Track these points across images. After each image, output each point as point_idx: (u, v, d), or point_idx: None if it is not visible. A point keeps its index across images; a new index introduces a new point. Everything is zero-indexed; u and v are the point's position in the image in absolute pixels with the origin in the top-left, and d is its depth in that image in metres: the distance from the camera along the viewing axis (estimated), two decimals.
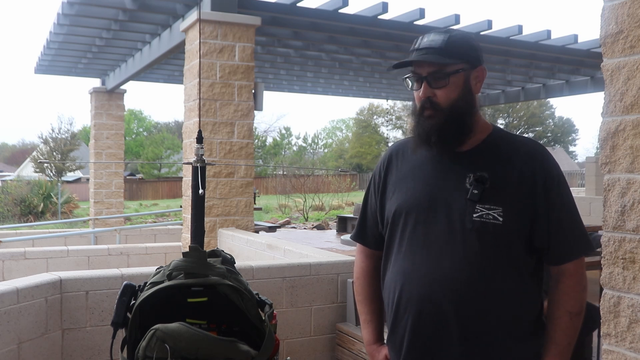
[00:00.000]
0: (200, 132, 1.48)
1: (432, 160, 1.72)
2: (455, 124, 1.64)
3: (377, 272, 1.85)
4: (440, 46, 1.63)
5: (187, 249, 1.34)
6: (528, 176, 1.62)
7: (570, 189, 1.75)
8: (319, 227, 15.93)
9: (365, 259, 1.91)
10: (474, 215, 1.59)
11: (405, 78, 1.71)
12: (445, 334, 1.62)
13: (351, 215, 13.99)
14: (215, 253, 1.39)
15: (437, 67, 1.63)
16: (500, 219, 1.58)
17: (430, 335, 1.64)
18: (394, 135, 46.96)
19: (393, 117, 45.30)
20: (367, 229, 1.88)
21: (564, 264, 1.64)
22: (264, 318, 1.33)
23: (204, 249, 1.38)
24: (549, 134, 49.41)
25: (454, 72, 1.63)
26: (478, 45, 1.72)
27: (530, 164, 1.63)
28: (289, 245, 5.22)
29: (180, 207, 10.57)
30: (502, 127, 1.86)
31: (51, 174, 27.65)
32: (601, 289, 1.80)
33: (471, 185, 1.61)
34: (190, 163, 1.46)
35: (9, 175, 32.71)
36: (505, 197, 1.60)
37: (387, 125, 47.49)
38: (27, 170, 35.64)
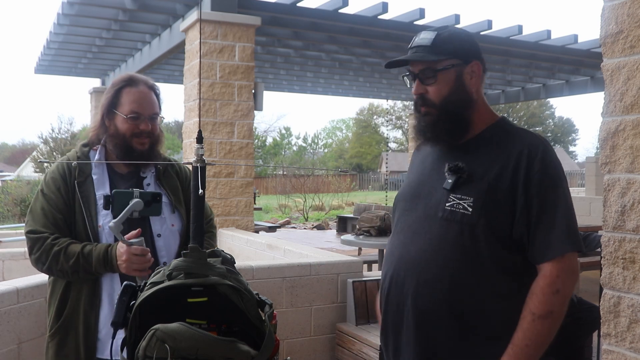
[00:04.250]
0: (200, 132, 1.48)
1: (432, 153, 1.78)
2: (449, 120, 1.67)
3: None
4: (428, 44, 1.67)
5: (186, 249, 1.34)
6: (511, 167, 1.60)
7: (570, 188, 1.74)
8: (319, 227, 15.93)
9: None
10: (447, 204, 1.62)
11: (404, 76, 1.77)
12: (405, 314, 1.67)
13: (351, 215, 13.97)
14: (215, 253, 1.39)
15: (427, 65, 1.67)
16: (470, 209, 1.58)
17: (395, 314, 1.71)
18: (394, 135, 47.00)
19: (393, 117, 45.33)
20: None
21: (540, 263, 1.58)
22: (264, 318, 1.33)
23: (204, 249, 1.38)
24: (549, 134, 49.40)
25: (443, 69, 1.66)
26: (471, 40, 1.72)
27: (517, 156, 1.60)
28: (289, 245, 5.22)
29: None
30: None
31: None
32: (601, 289, 1.80)
33: (447, 174, 1.65)
34: (190, 163, 1.46)
35: (9, 175, 32.67)
36: (479, 189, 1.60)
37: (387, 125, 47.52)
38: (27, 170, 35.62)
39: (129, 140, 2.11)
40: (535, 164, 1.58)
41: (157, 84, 2.26)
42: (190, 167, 1.50)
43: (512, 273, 1.60)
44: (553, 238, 1.56)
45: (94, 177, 2.13)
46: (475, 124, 1.70)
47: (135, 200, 1.78)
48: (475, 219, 1.58)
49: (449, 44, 1.67)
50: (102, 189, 2.11)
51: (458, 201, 1.60)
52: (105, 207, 1.85)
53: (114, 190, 1.84)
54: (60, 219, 2.08)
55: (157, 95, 2.20)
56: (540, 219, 1.57)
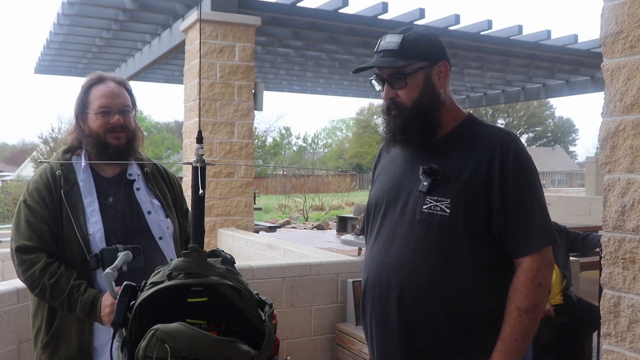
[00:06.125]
0: (200, 132, 1.47)
1: (402, 155, 1.78)
2: (419, 121, 1.68)
3: None
4: (395, 48, 1.67)
5: (187, 249, 1.34)
6: (484, 165, 1.61)
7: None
8: (319, 227, 15.93)
9: None
10: (424, 207, 1.63)
11: (371, 80, 1.76)
12: (390, 320, 1.68)
13: (351, 215, 13.98)
14: (215, 253, 1.39)
15: (396, 69, 1.67)
16: (448, 211, 1.60)
17: (380, 321, 1.71)
18: None
19: None
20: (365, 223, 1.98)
21: (519, 258, 1.61)
22: (264, 318, 1.33)
23: (204, 249, 1.38)
24: (549, 134, 49.42)
25: (411, 73, 1.67)
26: (438, 41, 1.73)
27: (489, 153, 1.62)
28: (289, 245, 5.22)
29: None
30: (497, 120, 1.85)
31: None
32: (601, 289, 1.80)
33: (422, 177, 1.65)
34: (190, 163, 1.45)
35: (9, 175, 32.66)
36: (455, 188, 1.61)
37: None
38: (27, 170, 35.61)
39: (103, 137, 2.05)
40: (508, 161, 1.61)
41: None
42: (184, 169, 1.50)
43: (491, 268, 1.63)
44: (531, 233, 1.60)
45: (81, 184, 2.06)
46: (444, 123, 1.72)
47: (125, 252, 1.84)
48: (453, 219, 1.60)
49: (416, 46, 1.67)
50: (89, 196, 2.06)
51: (435, 203, 1.62)
52: (95, 267, 1.90)
53: (101, 248, 1.89)
54: (46, 231, 2.01)
55: (129, 91, 2.15)
56: (518, 214, 1.60)
